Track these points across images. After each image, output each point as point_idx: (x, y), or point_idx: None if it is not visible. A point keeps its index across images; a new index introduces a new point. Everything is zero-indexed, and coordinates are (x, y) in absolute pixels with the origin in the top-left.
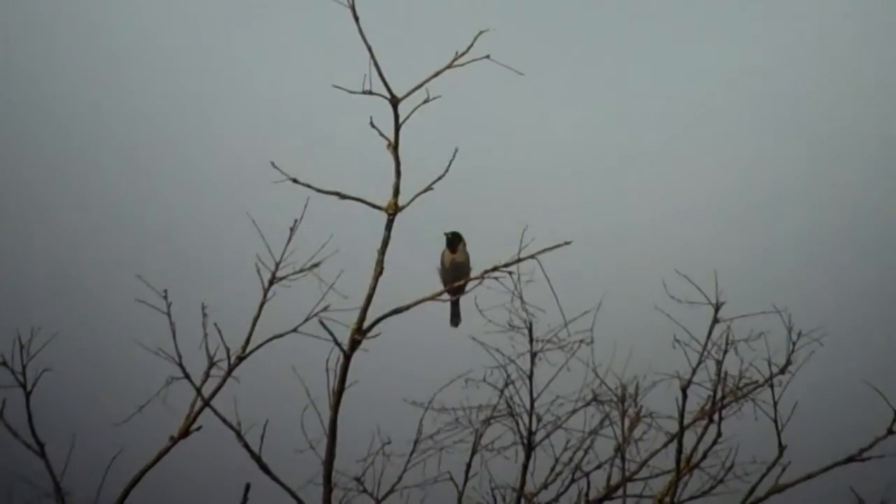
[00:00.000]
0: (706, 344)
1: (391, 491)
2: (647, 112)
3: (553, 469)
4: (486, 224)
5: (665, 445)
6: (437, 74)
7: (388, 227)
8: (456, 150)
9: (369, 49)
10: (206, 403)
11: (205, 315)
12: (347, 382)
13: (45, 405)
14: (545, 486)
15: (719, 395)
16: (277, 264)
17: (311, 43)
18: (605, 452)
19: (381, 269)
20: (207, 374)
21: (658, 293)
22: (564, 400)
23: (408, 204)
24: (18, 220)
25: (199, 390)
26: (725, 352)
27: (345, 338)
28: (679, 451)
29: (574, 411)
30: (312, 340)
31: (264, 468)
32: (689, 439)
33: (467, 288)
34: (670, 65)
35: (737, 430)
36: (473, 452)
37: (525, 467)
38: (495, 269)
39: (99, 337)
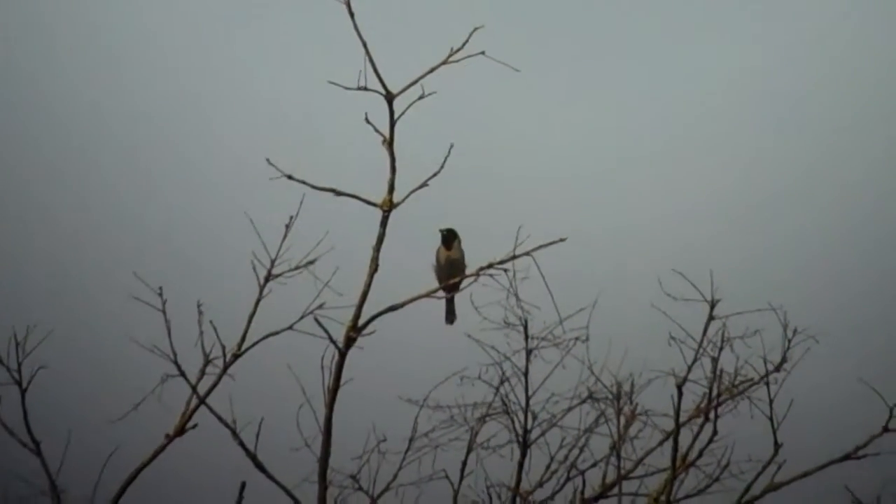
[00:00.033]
0: (702, 341)
1: (386, 489)
2: (645, 111)
3: (548, 467)
4: (481, 221)
5: (661, 443)
6: (432, 71)
7: (383, 223)
8: (451, 147)
9: (364, 45)
10: (202, 401)
11: (200, 312)
12: (343, 380)
13: (41, 403)
14: (540, 484)
15: (715, 392)
16: (273, 262)
17: (307, 40)
18: (600, 450)
19: (376, 266)
20: (203, 372)
21: (654, 291)
22: (560, 397)
23: (403, 201)
24: (16, 219)
25: (194, 388)
26: (721, 349)
27: (340, 335)
28: (675, 449)
29: (569, 409)
30: (308, 338)
31: (260, 466)
32: (685, 437)
33: (462, 285)
34: (670, 65)
35: (732, 428)
36: (469, 450)
37: (520, 465)
38: (490, 266)
39: (94, 334)
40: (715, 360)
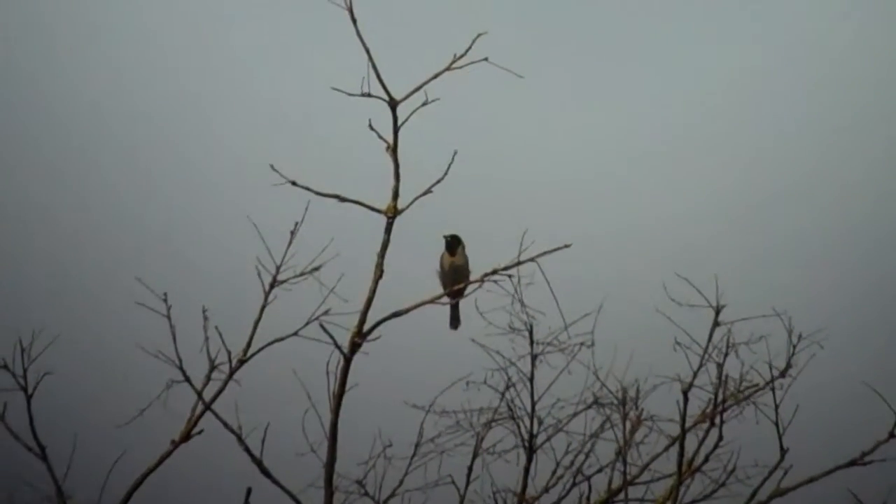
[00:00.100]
0: (707, 347)
1: (392, 494)
2: (646, 113)
3: (554, 472)
4: (485, 227)
5: (666, 449)
6: (435, 77)
7: (388, 230)
8: (455, 153)
9: (367, 51)
10: (208, 407)
11: (206, 318)
12: (348, 385)
13: (47, 408)
14: (546, 489)
15: (720, 398)
16: (278, 268)
17: (310, 45)
18: (606, 456)
19: (381, 272)
20: (208, 378)
21: (659, 296)
22: (565, 403)
23: (407, 207)
24: (19, 222)
25: (200, 394)
26: (726, 355)
27: (345, 341)
28: (680, 454)
29: (575, 414)
30: (313, 344)
31: (265, 472)
32: (691, 443)
33: (467, 291)
34: (670, 65)
35: (738, 434)
36: (475, 456)
37: (526, 470)
38: (495, 272)
39: (100, 340)
40: (720, 366)
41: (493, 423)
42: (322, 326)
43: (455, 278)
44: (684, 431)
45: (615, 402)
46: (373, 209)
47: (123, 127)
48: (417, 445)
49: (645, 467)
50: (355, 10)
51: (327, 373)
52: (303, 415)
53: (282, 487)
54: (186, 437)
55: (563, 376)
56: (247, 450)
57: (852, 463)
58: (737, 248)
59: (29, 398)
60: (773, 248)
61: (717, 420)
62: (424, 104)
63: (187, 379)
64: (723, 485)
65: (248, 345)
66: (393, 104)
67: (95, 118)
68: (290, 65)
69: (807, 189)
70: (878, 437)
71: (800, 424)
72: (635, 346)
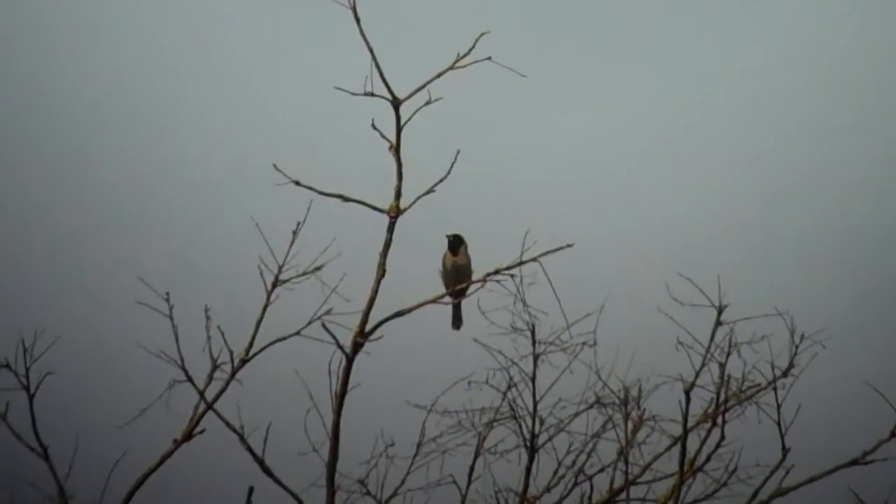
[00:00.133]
0: (709, 347)
1: (394, 494)
2: (647, 113)
3: (556, 472)
4: (487, 226)
5: (668, 449)
6: (438, 76)
7: (390, 229)
8: (458, 153)
9: (371, 51)
10: (210, 406)
11: (208, 318)
12: (350, 385)
13: (49, 408)
14: (548, 489)
15: (722, 397)
16: (280, 267)
17: (313, 44)
18: (608, 456)
19: (383, 271)
20: (210, 378)
21: (661, 295)
22: (567, 403)
23: (409, 206)
24: (21, 222)
25: (202, 393)
26: (728, 354)
27: (347, 341)
28: (682, 454)
29: (577, 414)
30: (315, 343)
31: (267, 471)
32: (693, 442)
33: (469, 291)
34: (671, 65)
35: (740, 433)
36: (476, 455)
37: (528, 470)
38: (497, 271)
39: (102, 340)
40: (722, 366)
41: (495, 423)
42: (324, 326)
43: (457, 278)
44: (686, 431)
45: (617, 401)
46: (375, 209)
47: (124, 127)
48: (419, 445)
49: (647, 467)
50: (358, 10)
51: (329, 372)
52: (305, 414)
53: (284, 487)
54: (188, 436)
55: (565, 376)
56: (249, 449)
57: (854, 462)
58: (739, 248)
59: (31, 398)
60: (776, 247)
61: (719, 420)
62: (427, 103)
63: (189, 379)
64: (724, 484)
65: (251, 344)
66: (396, 103)
67: (96, 118)
68: (293, 64)
69: (807, 189)
70: (879, 437)
71: (802, 424)
72: (637, 346)
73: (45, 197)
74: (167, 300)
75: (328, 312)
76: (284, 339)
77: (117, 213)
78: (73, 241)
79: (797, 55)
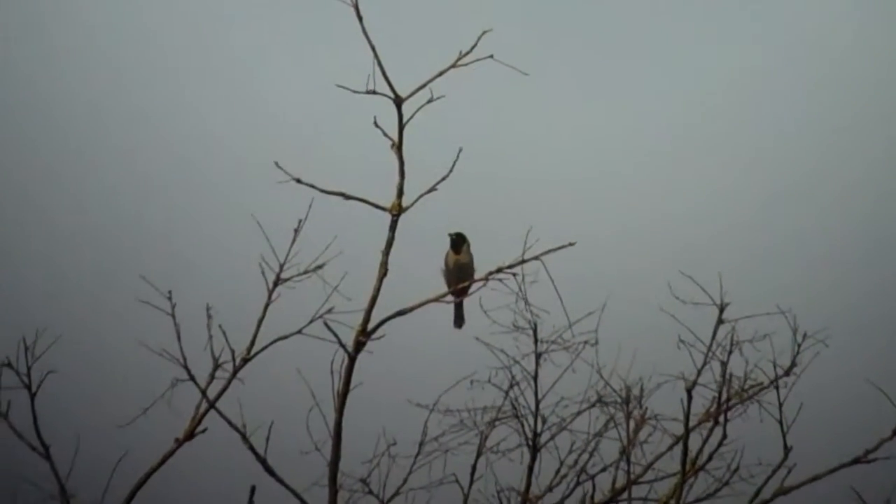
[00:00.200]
0: (711, 345)
1: (397, 493)
2: (648, 112)
3: (558, 471)
4: (490, 225)
5: (670, 448)
6: (440, 74)
7: (392, 228)
8: (460, 151)
9: (373, 49)
10: (212, 405)
11: (209, 317)
12: (352, 384)
13: (50, 407)
14: (550, 488)
15: (724, 396)
16: (282, 266)
17: (315, 42)
18: (610, 455)
19: (385, 270)
20: (212, 376)
21: (663, 294)
22: (569, 401)
23: (412, 205)
24: (22, 222)
25: (204, 392)
26: (730, 353)
27: (349, 339)
28: (684, 453)
29: (579, 413)
30: (317, 342)
31: (269, 470)
32: (695, 441)
33: (471, 289)
34: (671, 65)
35: (742, 432)
36: (478, 454)
37: (530, 469)
38: (499, 270)
39: (104, 339)
40: (724, 364)
41: (497, 422)
42: (326, 325)
43: (460, 276)
44: (688, 430)
45: (619, 400)
46: (377, 207)
47: (125, 127)
48: (421, 444)
49: (649, 466)
50: (361, 8)
51: (331, 371)
52: (307, 413)
53: (286, 486)
54: (190, 435)
55: (566, 375)
56: (251, 448)
57: (856, 461)
58: (740, 247)
59: (32, 397)
60: (777, 246)
61: (721, 419)
62: (430, 101)
63: (192, 377)
64: (726, 483)
65: (252, 343)
66: (398, 101)
67: (96, 118)
68: (294, 63)
69: (807, 189)
70: (881, 435)
71: (804, 423)
72: (639, 345)
73: (45, 197)
74: (169, 299)
75: (330, 311)
76: (286, 337)
77: (118, 212)
78: (74, 240)
79: (797, 55)
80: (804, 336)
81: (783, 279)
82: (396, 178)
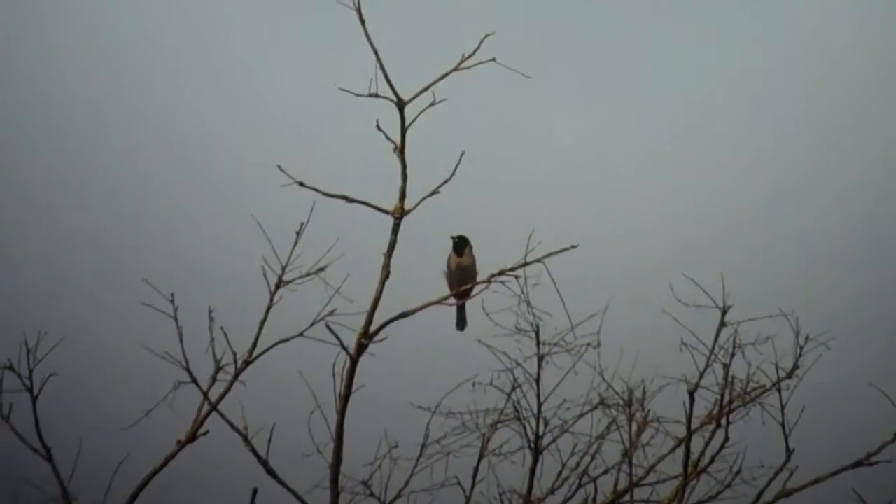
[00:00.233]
0: (713, 348)
1: (398, 495)
2: (649, 113)
3: (560, 474)
4: (492, 227)
5: (672, 450)
6: (443, 77)
7: (395, 230)
8: (462, 154)
9: (375, 52)
10: (213, 408)
11: (211, 319)
12: (354, 386)
13: (52, 409)
14: (552, 491)
15: (727, 399)
16: (284, 268)
17: (316, 43)
18: (612, 457)
19: (388, 272)
20: (214, 379)
21: (665, 296)
22: (571, 404)
23: (414, 207)
24: (23, 223)
25: (206, 395)
26: (733, 356)
27: (351, 342)
28: (686, 455)
29: (581, 415)
30: (319, 345)
31: (271, 472)
32: (697, 444)
33: (474, 292)
34: (671, 65)
35: (744, 435)
36: (481, 457)
37: (532, 472)
38: (502, 272)
39: (105, 341)
40: (727, 367)
41: (499, 425)
42: (328, 327)
43: (462, 279)
44: (690, 432)
45: (621, 403)
46: (380, 210)
47: (125, 127)
48: (423, 446)
49: (651, 469)
50: (363, 11)
51: (333, 374)
52: (309, 416)
53: (287, 488)
54: (192, 437)
55: (569, 377)
56: (253, 450)
57: (858, 464)
58: (743, 249)
59: (34, 399)
60: (779, 248)
61: (723, 421)
62: (432, 104)
63: (194, 380)
64: (728, 486)
65: (254, 345)
66: (401, 105)
67: (96, 118)
68: (297, 64)
69: (807, 189)
70: (883, 438)
71: (806, 425)
72: (641, 347)
73: (46, 198)
74: (172, 301)
75: (332, 313)
76: (288, 340)
77: (120, 214)
78: (75, 243)
79: (797, 55)
80: (806, 339)
81: (783, 279)
82: (399, 181)
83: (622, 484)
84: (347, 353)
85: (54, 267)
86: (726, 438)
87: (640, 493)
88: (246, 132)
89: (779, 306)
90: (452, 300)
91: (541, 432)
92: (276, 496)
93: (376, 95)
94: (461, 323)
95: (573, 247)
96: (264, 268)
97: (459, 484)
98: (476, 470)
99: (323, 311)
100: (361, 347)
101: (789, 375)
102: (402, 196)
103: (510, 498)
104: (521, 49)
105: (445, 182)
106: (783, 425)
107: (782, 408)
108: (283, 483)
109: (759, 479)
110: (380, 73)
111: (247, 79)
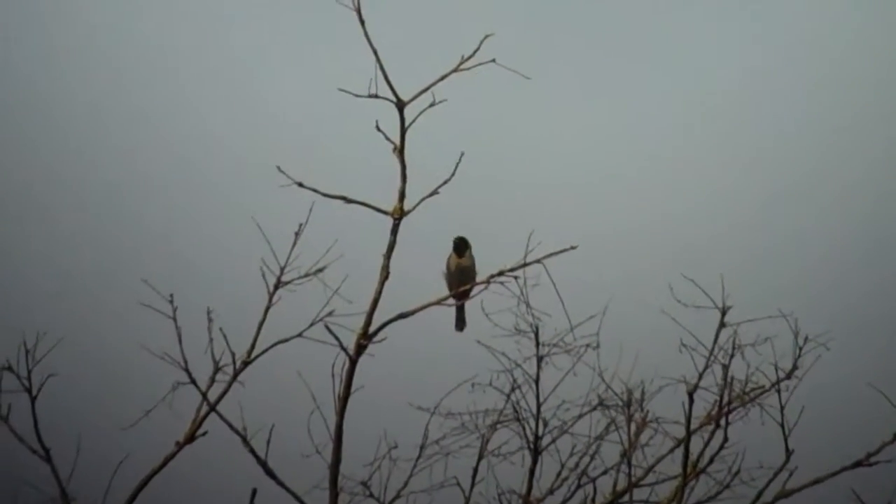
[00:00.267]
0: (713, 348)
1: (397, 496)
2: (649, 113)
3: (559, 474)
4: (491, 228)
5: (671, 451)
6: (442, 78)
7: (394, 231)
8: (462, 155)
9: (375, 52)
10: (212, 408)
11: (210, 320)
12: (353, 387)
13: (51, 410)
14: (551, 491)
15: (726, 399)
16: (282, 269)
17: (316, 44)
18: (611, 458)
19: (387, 273)
20: (213, 379)
21: (664, 297)
22: (571, 405)
23: (413, 208)
24: (22, 223)
25: (205, 395)
26: (732, 356)
27: (350, 342)
28: (685, 456)
29: (580, 416)
30: (318, 345)
31: (270, 473)
32: (696, 444)
33: (473, 292)
34: (671, 65)
35: (743, 435)
36: (480, 457)
37: (531, 472)
38: (501, 273)
39: (104, 341)
40: (726, 368)
41: (499, 425)
42: (327, 328)
43: (461, 280)
44: (689, 433)
45: (620, 403)
46: (379, 210)
47: (125, 127)
48: (422, 447)
49: (650, 469)
50: (363, 12)
51: (332, 374)
52: (308, 416)
53: (287, 489)
54: (191, 438)
55: (568, 378)
56: (252, 451)
57: (857, 464)
58: (742, 249)
59: (33, 400)
60: (778, 248)
61: (723, 422)
62: (432, 105)
63: (192, 381)
64: (728, 486)
65: (253, 346)
66: (400, 105)
67: (96, 118)
68: (296, 64)
69: (807, 189)
70: (883, 439)
71: (805, 426)
72: (641, 348)
73: (46, 198)
74: (171, 302)
75: (331, 314)
76: (287, 340)
77: (119, 214)
78: (74, 243)
79: (797, 55)
80: (805, 339)
81: (783, 280)
82: (398, 182)
83: (621, 484)
84: (346, 353)
85: (54, 267)
86: (725, 439)
87: (639, 494)
88: (246, 132)
89: (778, 307)
90: (452, 301)
91: (540, 433)
92: (276, 497)
93: (376, 96)
94: (460, 324)
95: (573, 247)
96: (263, 268)
97: (459, 484)
98: (475, 470)
99: (322, 312)
100: (360, 348)
101: (788, 376)
102: (402, 197)
103: (509, 498)
104: (521, 49)
105: (445, 183)
106: (782, 426)
107: (782, 408)
108: (282, 484)
109: (759, 479)
110: (379, 73)
111: (247, 79)
